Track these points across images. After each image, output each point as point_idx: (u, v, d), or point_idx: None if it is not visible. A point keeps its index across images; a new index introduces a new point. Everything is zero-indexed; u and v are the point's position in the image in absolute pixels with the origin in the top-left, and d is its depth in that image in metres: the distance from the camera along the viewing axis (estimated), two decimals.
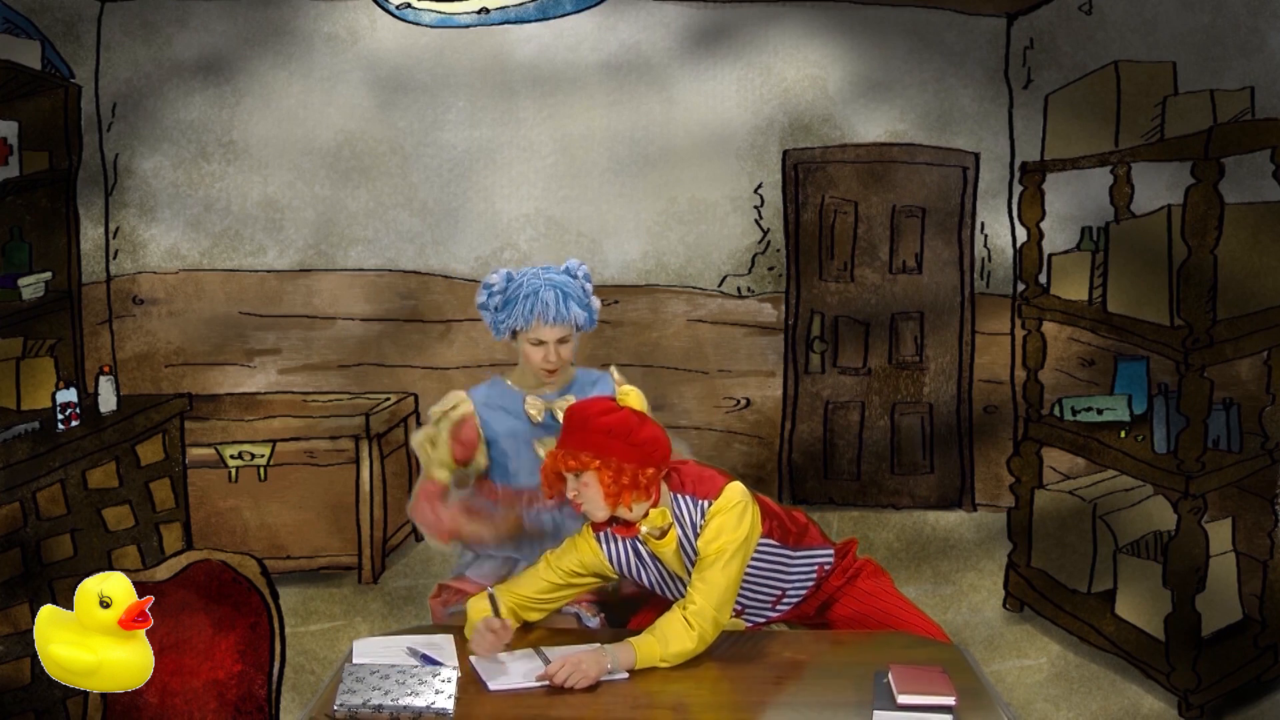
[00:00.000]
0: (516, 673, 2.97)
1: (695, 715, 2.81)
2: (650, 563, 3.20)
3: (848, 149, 6.17)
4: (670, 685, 2.91)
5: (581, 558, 3.20)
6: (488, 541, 3.48)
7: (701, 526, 3.09)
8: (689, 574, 3.14)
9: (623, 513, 3.09)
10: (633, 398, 3.20)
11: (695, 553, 3.11)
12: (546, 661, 3.00)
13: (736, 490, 3.12)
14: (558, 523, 3.48)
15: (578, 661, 2.92)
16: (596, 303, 3.52)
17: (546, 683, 2.90)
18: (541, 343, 3.38)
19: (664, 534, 3.13)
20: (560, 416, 3.40)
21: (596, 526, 3.18)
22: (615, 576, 3.26)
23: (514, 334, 3.43)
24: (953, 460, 6.24)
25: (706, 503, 3.10)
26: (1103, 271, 4.92)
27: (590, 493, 3.05)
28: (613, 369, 3.62)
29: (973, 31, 6.07)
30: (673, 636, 3.01)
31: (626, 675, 2.96)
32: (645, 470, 3.04)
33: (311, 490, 5.52)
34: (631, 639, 3.02)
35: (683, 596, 3.12)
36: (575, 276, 3.46)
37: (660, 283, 6.17)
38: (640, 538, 3.15)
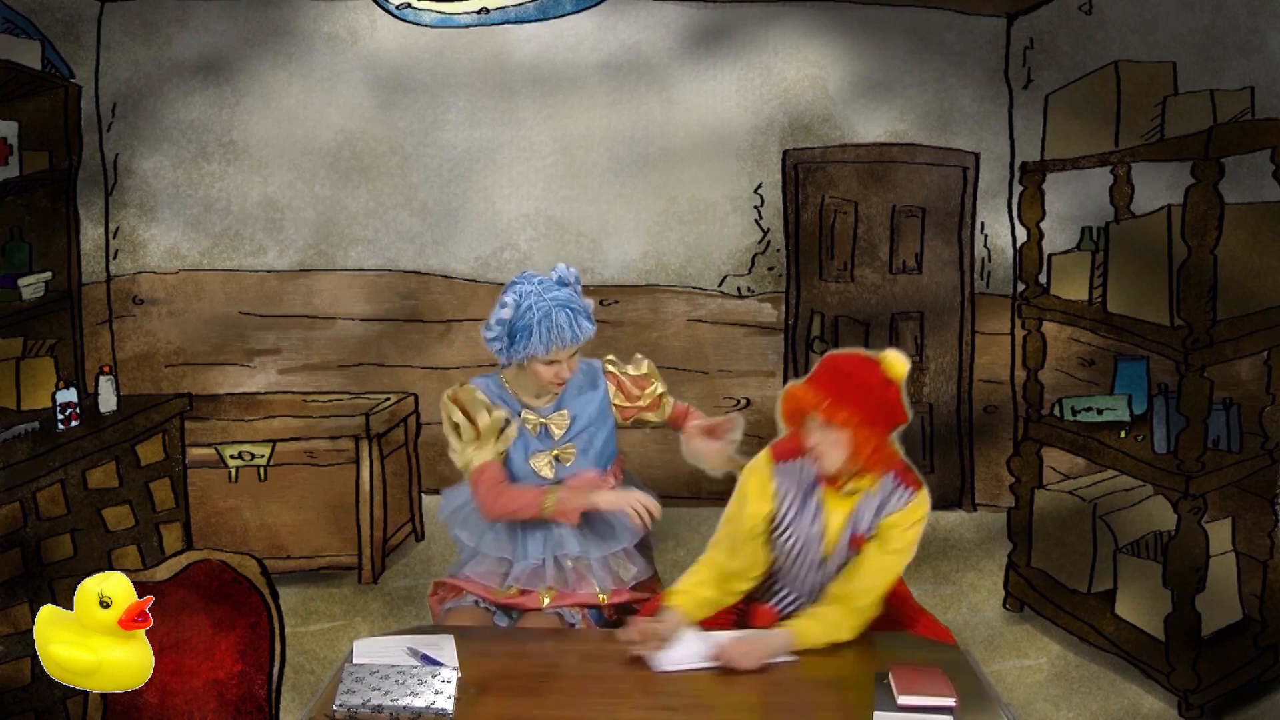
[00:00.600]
0: (682, 655, 3.02)
1: (695, 715, 2.81)
2: (808, 520, 3.17)
3: (848, 149, 6.17)
4: (670, 685, 2.91)
5: (763, 499, 3.18)
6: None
7: (895, 510, 3.12)
8: (843, 541, 3.15)
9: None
10: (899, 369, 3.10)
11: (866, 529, 3.13)
12: (703, 643, 3.04)
13: (926, 497, 3.16)
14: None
15: (749, 644, 2.99)
16: (590, 303, 3.48)
17: (715, 664, 2.96)
18: (554, 362, 3.36)
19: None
20: (554, 431, 3.45)
21: (781, 451, 3.17)
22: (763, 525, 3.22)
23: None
24: (953, 460, 6.24)
25: (909, 491, 3.14)
26: (1103, 271, 4.92)
27: (837, 450, 3.04)
28: (610, 359, 3.61)
29: (973, 31, 6.07)
30: (832, 623, 3.08)
31: (794, 658, 3.02)
32: (890, 444, 3.09)
33: (311, 490, 5.52)
34: (792, 623, 3.09)
35: (787, 590, 3.23)
36: (569, 284, 3.41)
37: (660, 283, 6.17)
38: (846, 489, 3.13)
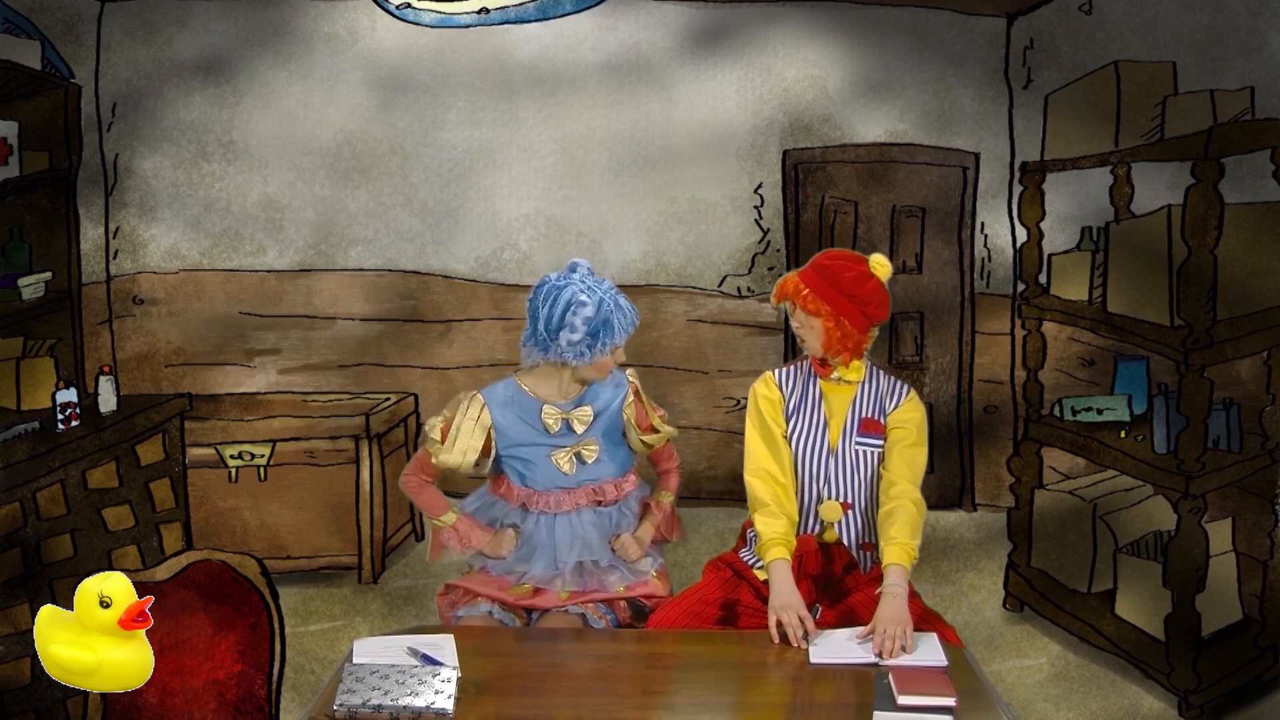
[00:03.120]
0: (836, 647, 3.07)
1: (695, 715, 2.81)
2: (811, 407, 3.45)
3: (848, 149, 6.17)
4: (670, 685, 2.91)
5: (772, 391, 3.47)
6: (482, 551, 3.54)
7: (899, 404, 3.44)
8: (849, 428, 3.42)
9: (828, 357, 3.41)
10: (883, 269, 3.40)
11: (874, 411, 3.43)
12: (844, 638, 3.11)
13: (917, 396, 3.51)
14: (549, 533, 3.49)
15: (898, 626, 3.06)
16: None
17: (869, 656, 3.02)
18: (617, 348, 3.43)
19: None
20: (576, 426, 3.46)
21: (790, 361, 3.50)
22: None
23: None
24: (953, 460, 6.24)
25: (903, 385, 3.48)
26: (1103, 271, 4.92)
27: (811, 335, 3.36)
28: (630, 373, 3.60)
29: (973, 31, 6.07)
30: (903, 523, 3.31)
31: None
32: (866, 336, 3.38)
33: (311, 490, 5.52)
34: (890, 553, 3.25)
35: (809, 494, 3.41)
36: (594, 276, 3.46)
37: (660, 283, 6.17)
38: (833, 376, 3.43)
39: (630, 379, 3.60)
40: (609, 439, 3.53)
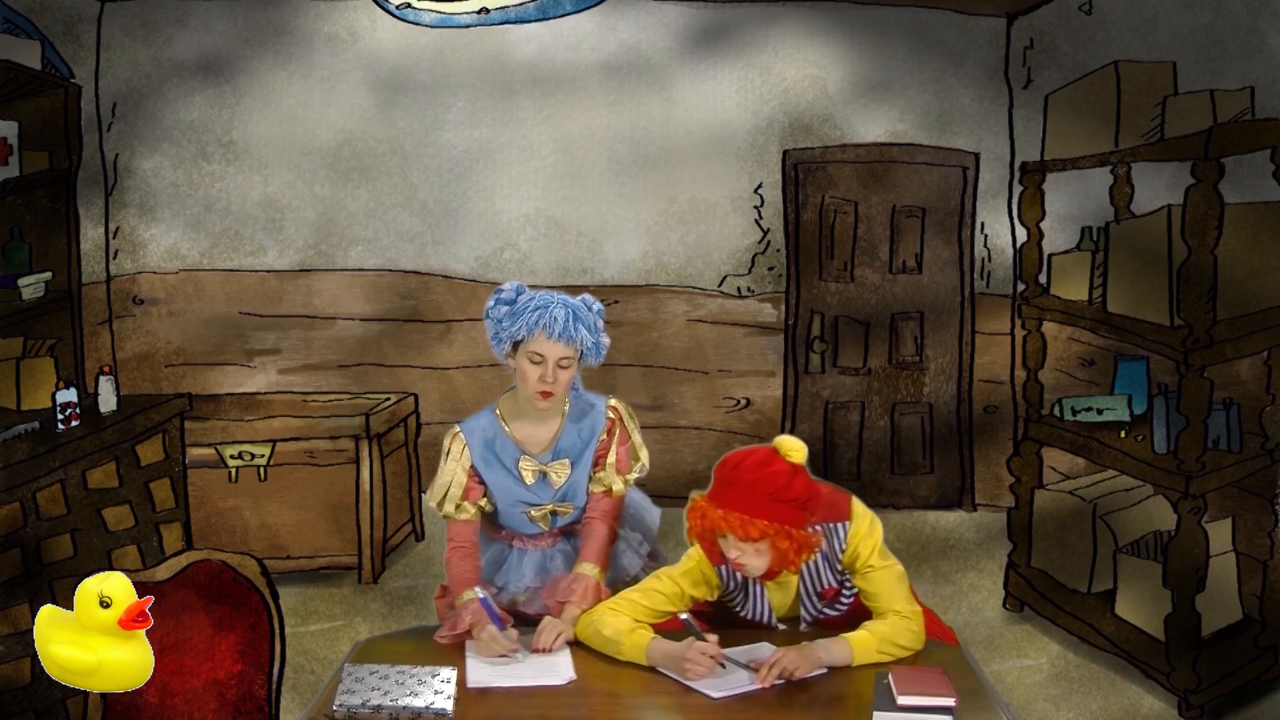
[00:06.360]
0: (729, 679, 2.93)
1: (695, 715, 2.81)
2: (757, 596, 3.17)
3: (848, 149, 6.17)
4: (671, 685, 2.91)
5: (709, 587, 3.14)
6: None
7: (842, 551, 3.08)
8: (805, 599, 3.14)
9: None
10: (799, 454, 2.99)
11: (825, 579, 3.11)
12: (740, 664, 2.96)
13: (859, 505, 3.12)
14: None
15: (799, 655, 2.91)
16: (607, 340, 3.33)
17: (764, 685, 2.86)
18: (541, 359, 3.20)
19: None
20: (554, 479, 3.33)
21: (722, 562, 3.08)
22: (711, 599, 3.21)
23: (515, 347, 3.24)
24: (953, 460, 6.24)
25: (841, 527, 3.08)
26: (1103, 271, 4.92)
27: (759, 560, 2.96)
28: (612, 400, 3.43)
29: (973, 31, 6.07)
30: (896, 634, 3.02)
31: (825, 671, 2.96)
32: (812, 533, 2.99)
33: (311, 490, 5.52)
34: (846, 634, 2.99)
35: (769, 625, 3.16)
36: (591, 309, 3.31)
37: (660, 283, 6.17)
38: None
39: (609, 413, 3.40)
40: (585, 486, 3.41)
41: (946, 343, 6.24)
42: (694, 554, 3.15)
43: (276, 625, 3.14)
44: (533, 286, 3.39)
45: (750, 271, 6.19)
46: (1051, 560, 5.16)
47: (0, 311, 4.86)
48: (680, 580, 3.14)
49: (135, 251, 6.07)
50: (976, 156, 6.12)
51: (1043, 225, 5.33)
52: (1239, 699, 4.58)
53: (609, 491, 3.38)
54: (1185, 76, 5.08)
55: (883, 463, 6.27)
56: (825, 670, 2.95)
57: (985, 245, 6.14)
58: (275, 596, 3.16)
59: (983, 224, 6.14)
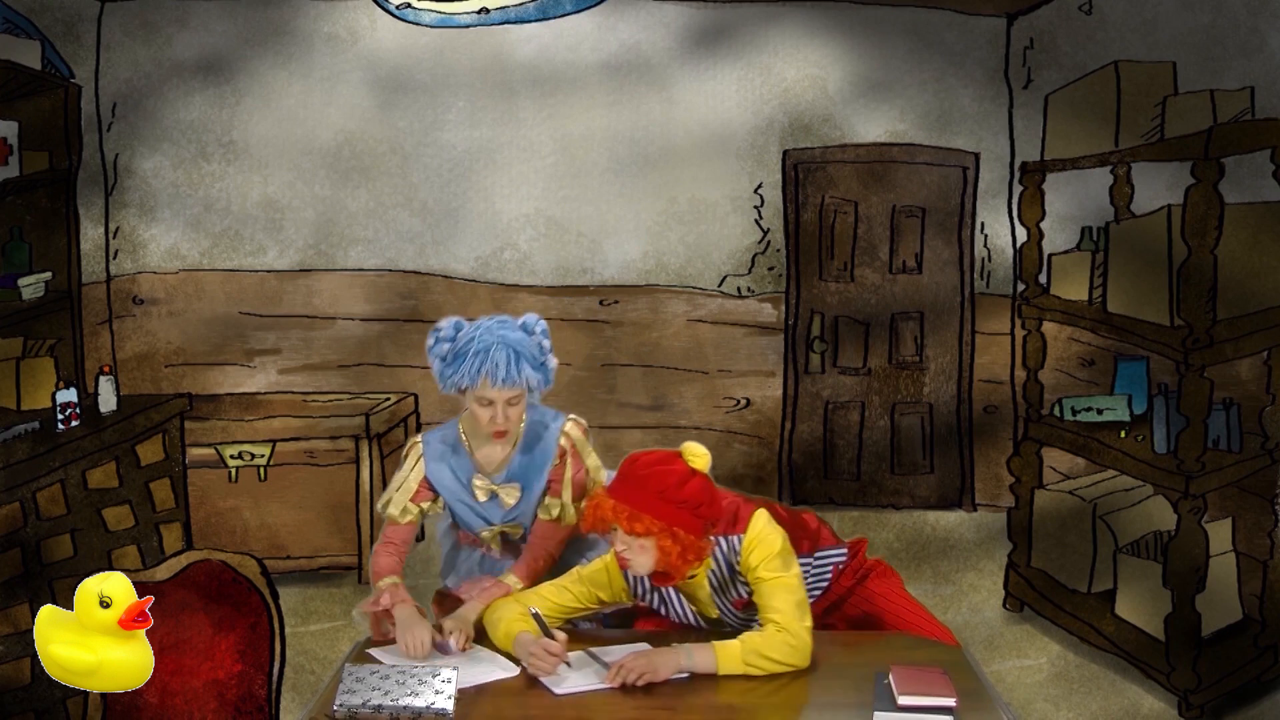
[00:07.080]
0: (579, 676, 2.94)
1: (695, 715, 2.81)
2: (675, 601, 3.18)
3: (848, 149, 6.17)
4: (669, 685, 2.91)
5: (613, 590, 3.17)
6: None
7: (739, 562, 3.07)
8: (721, 609, 3.15)
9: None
10: (701, 460, 3.02)
11: (734, 591, 3.11)
12: (601, 663, 2.97)
13: (760, 516, 3.09)
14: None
15: (649, 659, 2.91)
16: (553, 362, 3.30)
17: (613, 684, 2.87)
18: (490, 403, 3.18)
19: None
20: (505, 500, 3.33)
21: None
22: (630, 603, 3.24)
23: (461, 390, 3.23)
24: (953, 460, 6.24)
25: (737, 539, 3.07)
26: (1103, 271, 4.92)
27: (644, 557, 2.98)
28: (572, 418, 3.40)
29: (973, 31, 6.07)
30: (766, 646, 2.97)
31: (688, 676, 2.93)
32: (703, 539, 3.00)
33: (311, 490, 5.52)
34: (714, 641, 2.98)
35: (700, 627, 3.17)
36: (532, 334, 3.25)
37: (660, 283, 6.17)
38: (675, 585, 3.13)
39: (563, 439, 3.36)
40: (534, 512, 3.41)
41: (946, 343, 6.23)
42: (607, 557, 3.16)
43: (276, 625, 3.14)
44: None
45: (750, 271, 6.19)
46: (1051, 560, 5.16)
47: (0, 311, 4.86)
48: (586, 581, 3.17)
49: (135, 251, 6.07)
50: (976, 156, 6.11)
51: (1043, 225, 5.34)
52: (1239, 699, 4.58)
53: (558, 520, 3.37)
54: (1185, 76, 5.08)
55: (883, 463, 6.27)
56: (686, 675, 2.93)
57: (985, 245, 6.14)
58: (275, 596, 3.16)
59: (983, 224, 6.13)
